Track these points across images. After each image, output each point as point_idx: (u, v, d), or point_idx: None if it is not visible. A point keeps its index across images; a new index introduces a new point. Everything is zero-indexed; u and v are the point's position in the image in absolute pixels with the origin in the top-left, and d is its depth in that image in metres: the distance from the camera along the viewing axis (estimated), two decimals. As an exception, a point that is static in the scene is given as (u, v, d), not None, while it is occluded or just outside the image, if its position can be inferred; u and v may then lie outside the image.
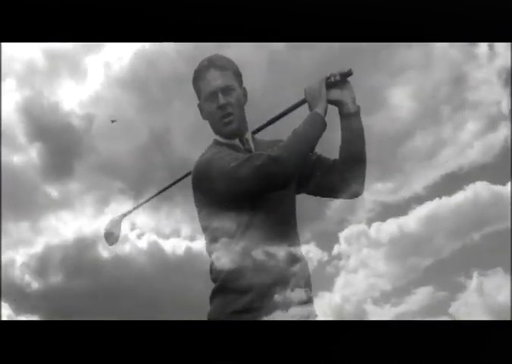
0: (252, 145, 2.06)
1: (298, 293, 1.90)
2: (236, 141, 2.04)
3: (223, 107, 2.00)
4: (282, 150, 1.85)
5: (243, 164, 1.83)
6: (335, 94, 1.97)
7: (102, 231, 2.39)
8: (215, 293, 1.92)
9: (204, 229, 1.98)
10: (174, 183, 2.27)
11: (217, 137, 2.06)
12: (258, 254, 1.85)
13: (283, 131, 2.01)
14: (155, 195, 2.32)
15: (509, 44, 2.25)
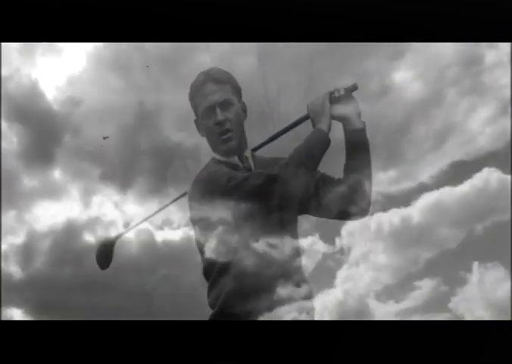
0: (252, 164, 1.97)
1: (303, 288, 1.87)
2: (235, 159, 1.95)
3: (221, 123, 1.91)
4: (283, 169, 1.77)
5: (242, 183, 1.76)
6: (340, 109, 1.89)
7: (94, 254, 2.21)
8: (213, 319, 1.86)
9: (198, 221, 1.90)
10: (170, 203, 2.17)
11: (215, 155, 1.97)
12: (260, 246, 1.77)
13: (285, 148, 1.93)
14: (150, 216, 2.21)
15: (509, 44, 2.25)
